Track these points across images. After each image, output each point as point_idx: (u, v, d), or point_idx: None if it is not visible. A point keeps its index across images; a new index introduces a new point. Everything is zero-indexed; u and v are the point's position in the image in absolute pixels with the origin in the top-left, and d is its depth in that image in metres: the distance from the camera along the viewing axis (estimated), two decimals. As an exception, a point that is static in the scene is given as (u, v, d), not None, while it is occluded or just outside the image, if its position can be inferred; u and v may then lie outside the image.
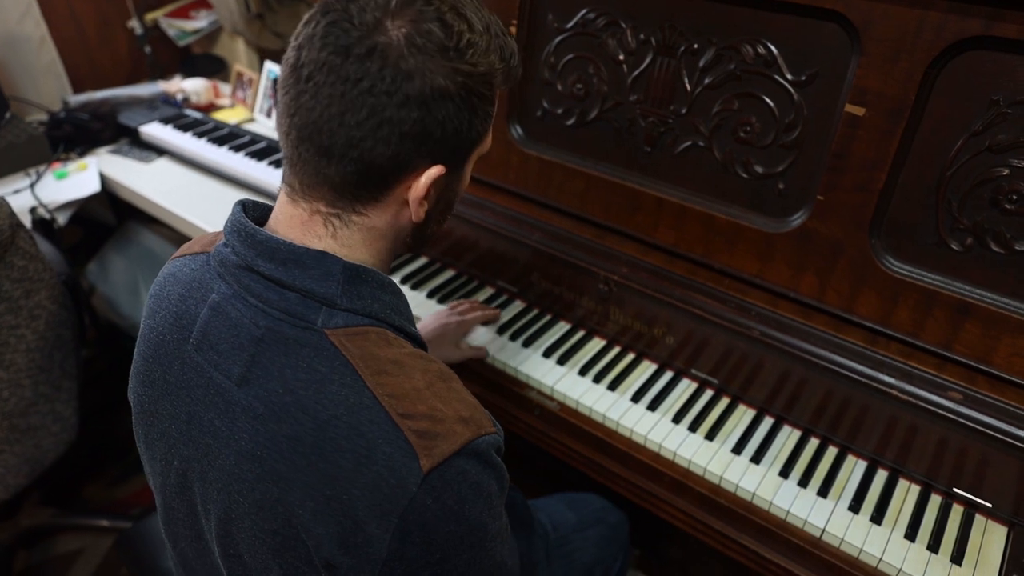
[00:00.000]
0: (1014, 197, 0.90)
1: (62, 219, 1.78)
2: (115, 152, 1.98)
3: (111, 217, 2.22)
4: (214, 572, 0.77)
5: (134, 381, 0.77)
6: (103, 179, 1.87)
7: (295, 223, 0.69)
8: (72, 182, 1.83)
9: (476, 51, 0.65)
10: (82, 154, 1.97)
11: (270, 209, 0.74)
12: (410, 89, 0.62)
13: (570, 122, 1.27)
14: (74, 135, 1.97)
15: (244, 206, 0.72)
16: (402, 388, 0.63)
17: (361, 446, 0.60)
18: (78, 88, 2.28)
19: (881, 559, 0.94)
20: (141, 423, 0.77)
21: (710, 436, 1.11)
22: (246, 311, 0.65)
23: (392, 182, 0.66)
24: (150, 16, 2.34)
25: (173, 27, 2.36)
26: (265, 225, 0.72)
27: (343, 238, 0.69)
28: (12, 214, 1.28)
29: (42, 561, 1.78)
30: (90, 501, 1.94)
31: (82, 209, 1.87)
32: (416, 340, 0.73)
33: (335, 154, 0.63)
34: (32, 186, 1.78)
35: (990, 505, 0.99)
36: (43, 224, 1.76)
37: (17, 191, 1.77)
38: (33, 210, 1.72)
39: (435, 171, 0.67)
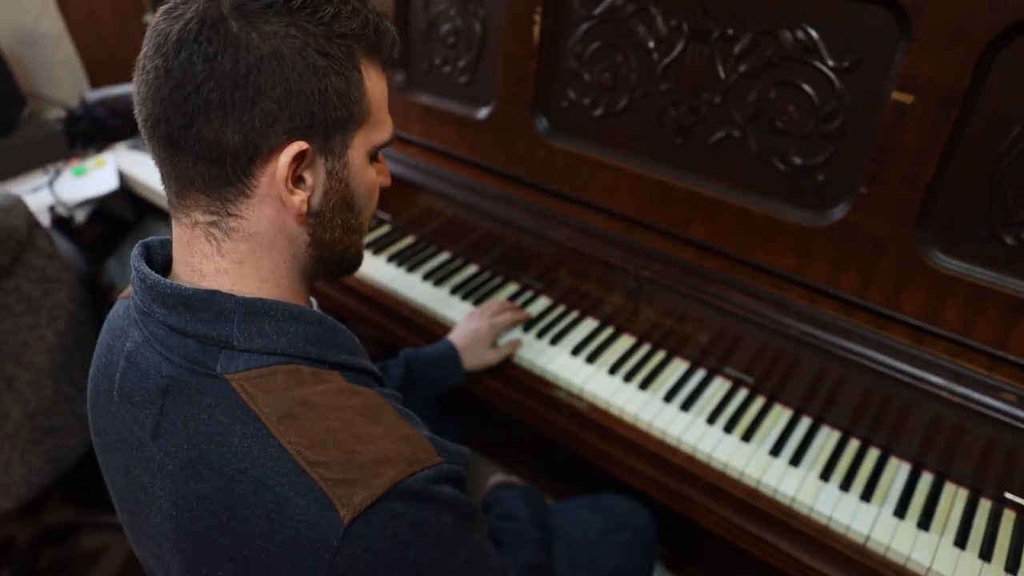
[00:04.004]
0: (1075, 188, 0.85)
1: (81, 216, 1.77)
2: (133, 148, 1.97)
3: (130, 213, 2.21)
4: None
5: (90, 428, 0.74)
6: (121, 175, 1.85)
7: (183, 245, 0.63)
8: (90, 179, 1.82)
9: (315, 8, 0.59)
10: (100, 150, 1.96)
11: None
12: (236, 50, 0.56)
13: (598, 113, 1.22)
14: (92, 131, 1.96)
15: (147, 247, 0.67)
16: (312, 432, 0.57)
17: (271, 501, 0.55)
18: (96, 84, 2.26)
19: (930, 568, 0.90)
20: (103, 470, 0.74)
21: (746, 437, 1.07)
22: (153, 360, 0.61)
23: (250, 165, 0.59)
24: (166, 10, 2.32)
25: (189, 20, 2.34)
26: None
27: (229, 252, 0.62)
28: (29, 214, 1.26)
29: (67, 558, 1.78)
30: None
31: (101, 205, 1.85)
32: (350, 367, 0.65)
33: (180, 142, 0.57)
34: (51, 184, 1.77)
35: (1044, 511, 0.95)
36: (62, 222, 1.74)
37: (36, 189, 1.76)
38: (52, 208, 1.71)
39: (295, 147, 0.59)
